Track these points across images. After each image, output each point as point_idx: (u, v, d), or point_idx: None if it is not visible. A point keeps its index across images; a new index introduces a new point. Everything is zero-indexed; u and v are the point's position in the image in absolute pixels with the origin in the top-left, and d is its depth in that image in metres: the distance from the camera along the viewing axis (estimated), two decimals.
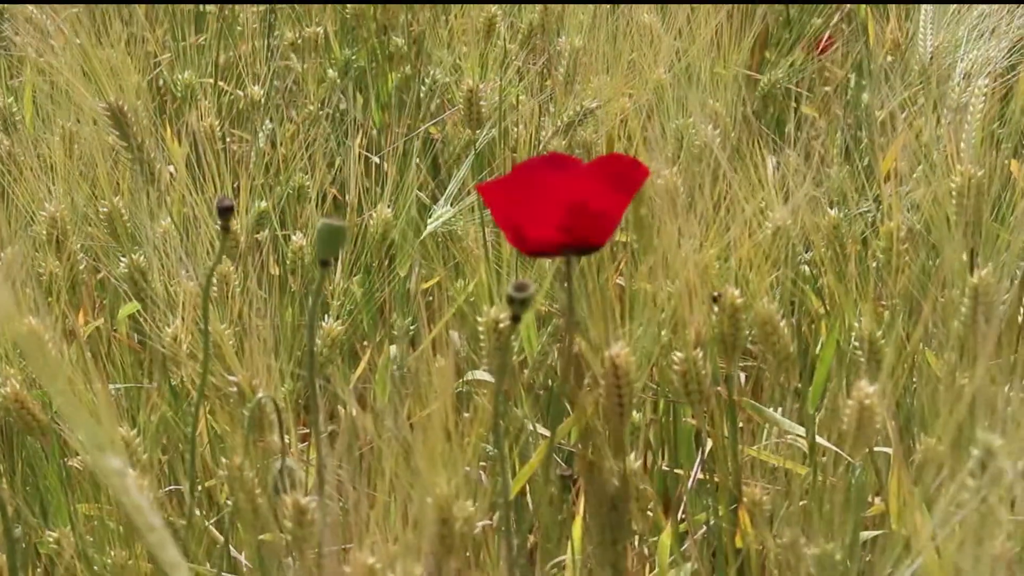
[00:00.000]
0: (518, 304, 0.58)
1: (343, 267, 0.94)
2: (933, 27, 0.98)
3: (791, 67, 1.36)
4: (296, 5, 1.42)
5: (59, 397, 0.81)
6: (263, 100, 1.20)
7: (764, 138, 1.02)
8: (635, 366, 0.69)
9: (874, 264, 0.84)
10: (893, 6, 1.15)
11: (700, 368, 0.74)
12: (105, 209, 0.92)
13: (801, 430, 0.82)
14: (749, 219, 0.79)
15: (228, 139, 1.17)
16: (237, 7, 1.38)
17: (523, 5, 1.17)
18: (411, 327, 1.12)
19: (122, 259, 0.91)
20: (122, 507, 0.51)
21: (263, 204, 1.09)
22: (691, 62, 0.99)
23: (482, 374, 0.91)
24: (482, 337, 0.76)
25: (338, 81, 1.39)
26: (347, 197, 1.05)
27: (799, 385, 0.84)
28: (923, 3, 1.04)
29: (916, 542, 0.56)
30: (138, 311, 0.92)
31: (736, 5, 1.12)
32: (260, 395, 0.74)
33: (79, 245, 0.92)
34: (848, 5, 1.49)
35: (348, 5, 1.42)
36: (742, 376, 0.96)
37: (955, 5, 0.97)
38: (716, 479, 0.85)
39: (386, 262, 1.09)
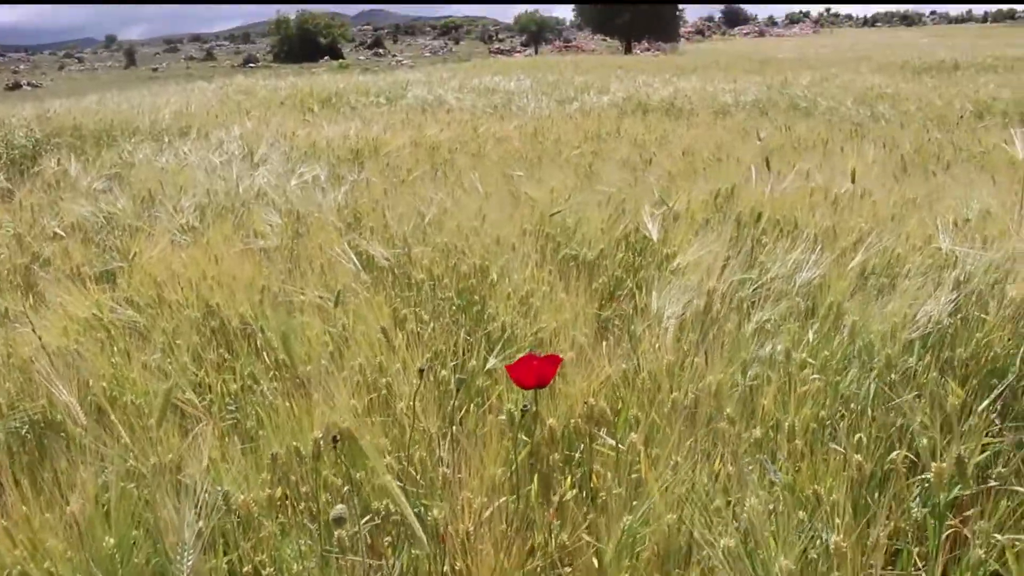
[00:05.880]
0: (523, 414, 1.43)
1: None
2: (657, 296, 1.80)
3: (612, 311, 2.15)
4: None
5: None
6: None
7: (605, 333, 1.85)
8: None
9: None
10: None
11: None
12: None
13: None
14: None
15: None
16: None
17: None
18: None
19: None
20: None
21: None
22: (574, 312, 1.82)
23: None
24: None
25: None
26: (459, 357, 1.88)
27: None
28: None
29: None
30: None
31: (594, 286, 1.94)
32: None
33: None
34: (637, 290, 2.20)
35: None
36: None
37: (668, 290, 1.83)
38: None
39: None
